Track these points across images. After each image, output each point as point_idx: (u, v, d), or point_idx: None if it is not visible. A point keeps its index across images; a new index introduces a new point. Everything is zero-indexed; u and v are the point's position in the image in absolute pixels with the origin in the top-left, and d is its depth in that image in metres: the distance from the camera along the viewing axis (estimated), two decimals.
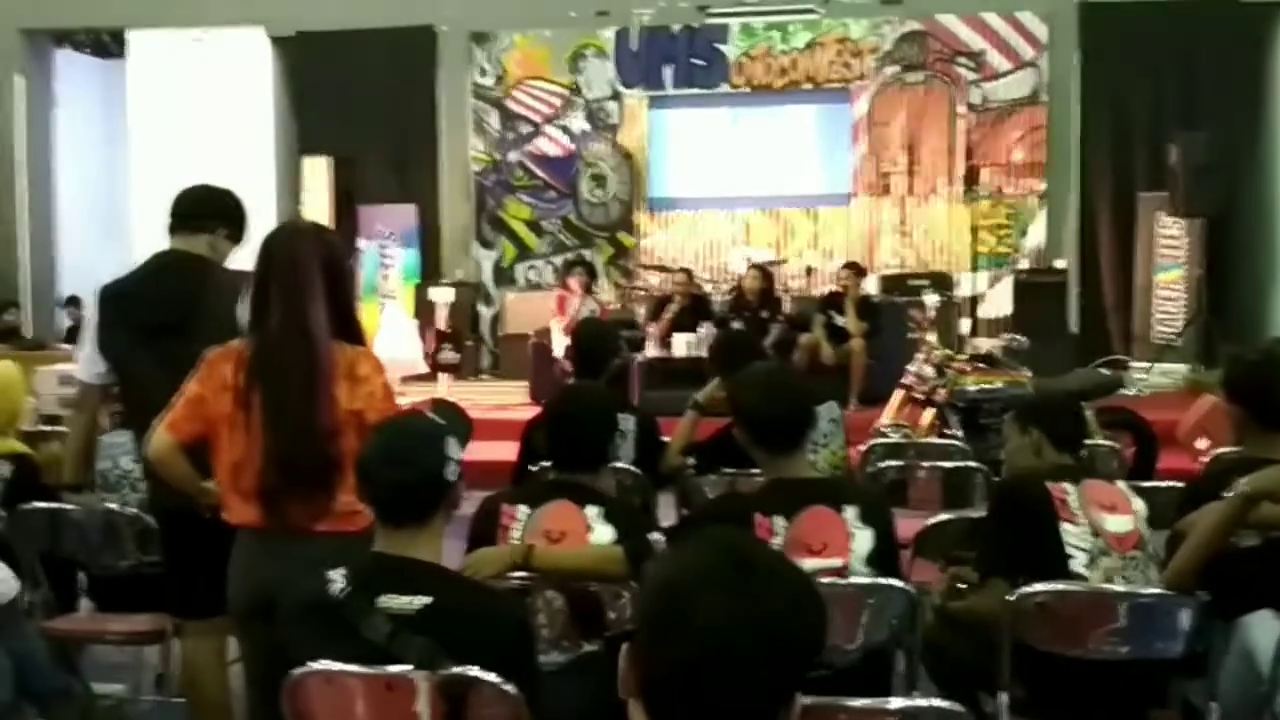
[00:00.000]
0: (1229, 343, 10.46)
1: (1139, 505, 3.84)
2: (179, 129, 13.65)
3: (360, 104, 13.94)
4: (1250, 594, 3.38)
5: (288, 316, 3.44)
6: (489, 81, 14.13)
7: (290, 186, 13.78)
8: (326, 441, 3.40)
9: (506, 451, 5.42)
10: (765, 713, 1.62)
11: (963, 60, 13.34)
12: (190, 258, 4.15)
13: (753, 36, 13.70)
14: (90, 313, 4.22)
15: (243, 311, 3.60)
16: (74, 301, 14.20)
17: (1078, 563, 3.66)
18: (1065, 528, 3.71)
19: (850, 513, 3.55)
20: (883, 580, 3.54)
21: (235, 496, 3.52)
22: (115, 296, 4.16)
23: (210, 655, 4.12)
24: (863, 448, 6.15)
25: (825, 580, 3.49)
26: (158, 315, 4.03)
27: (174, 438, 3.55)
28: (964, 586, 4.01)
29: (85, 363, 4.22)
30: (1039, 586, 3.51)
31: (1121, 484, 3.96)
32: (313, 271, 3.48)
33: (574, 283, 11.90)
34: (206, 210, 4.23)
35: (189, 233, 4.18)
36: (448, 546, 2.99)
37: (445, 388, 11.69)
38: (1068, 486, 3.79)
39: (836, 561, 3.52)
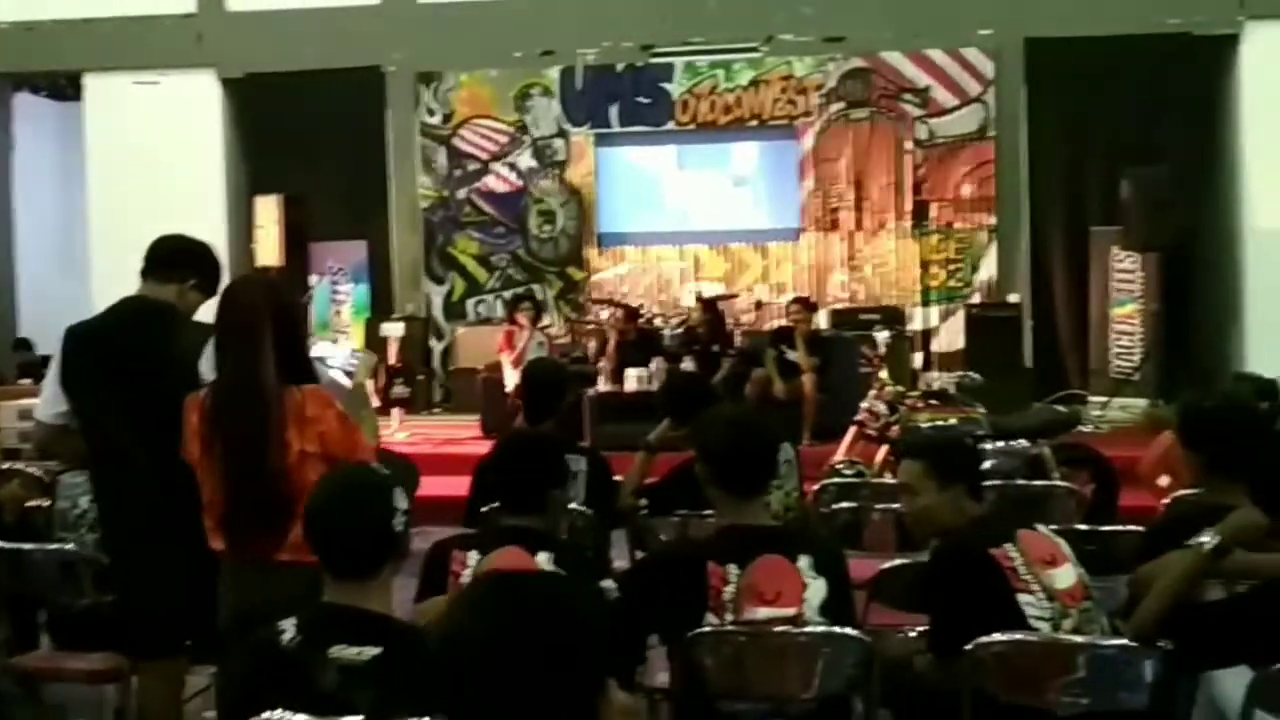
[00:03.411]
0: (1188, 377, 10.52)
1: (1067, 546, 3.68)
2: (135, 171, 13.63)
3: (310, 143, 13.89)
4: (1221, 650, 3.31)
5: (238, 368, 3.68)
6: (436, 121, 14.09)
7: (242, 225, 13.74)
8: (276, 484, 3.59)
9: (459, 487, 5.35)
10: (568, 700, 1.88)
11: (908, 96, 13.37)
12: (159, 306, 4.20)
13: (697, 75, 13.69)
14: (55, 352, 4.26)
15: (205, 364, 3.80)
16: (24, 344, 14.06)
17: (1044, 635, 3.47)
18: (1022, 599, 3.51)
19: (804, 562, 3.52)
20: (837, 629, 3.50)
21: (212, 529, 3.74)
22: (82, 338, 4.23)
23: (162, 695, 4.20)
24: (815, 487, 6.11)
25: (779, 629, 3.47)
26: (123, 361, 4.10)
27: None
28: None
29: (46, 402, 4.27)
30: (996, 637, 3.41)
31: (1042, 528, 3.78)
32: (262, 324, 3.68)
33: (521, 318, 11.89)
34: (180, 260, 4.29)
35: (159, 280, 4.23)
36: (399, 585, 3.03)
37: (397, 422, 11.67)
38: (1010, 549, 3.59)
39: (789, 611, 3.48)
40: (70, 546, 4.83)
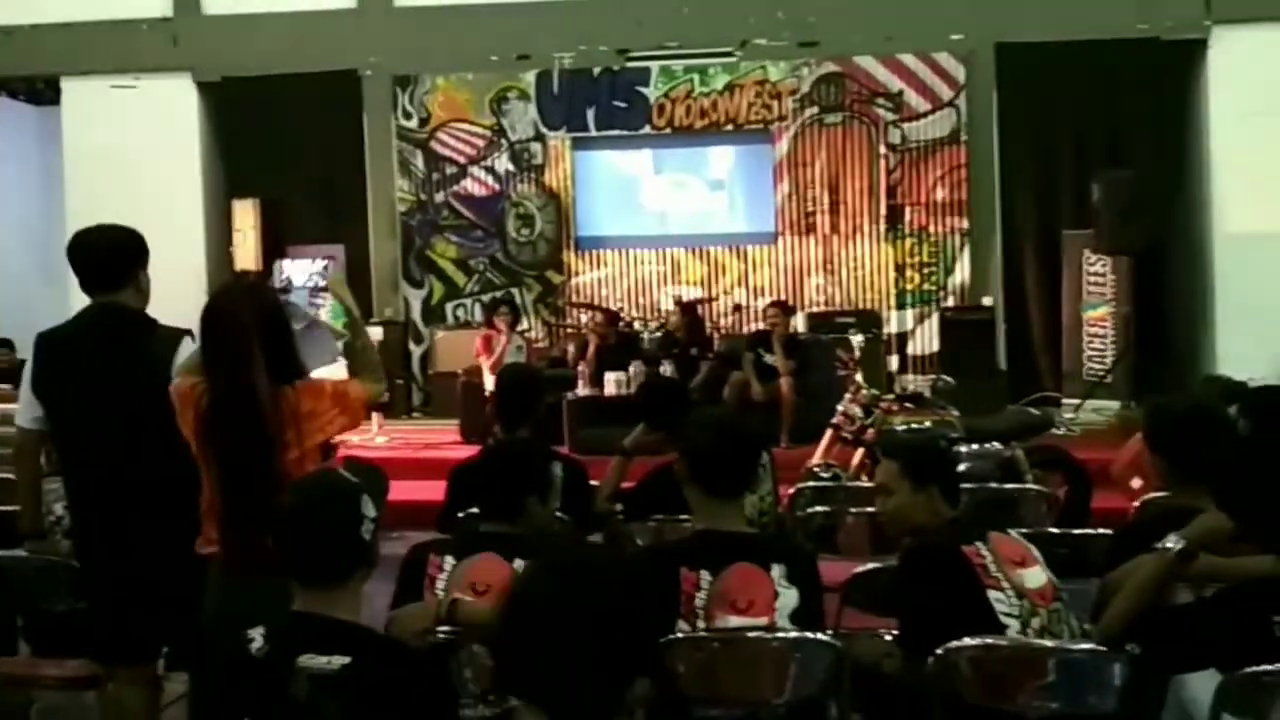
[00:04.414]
0: (1161, 379, 10.59)
1: (1038, 551, 3.74)
2: (113, 175, 13.59)
3: (287, 147, 13.90)
4: (1189, 653, 3.33)
5: (232, 382, 3.66)
6: (413, 124, 14.09)
7: (220, 229, 13.72)
8: (275, 493, 3.48)
9: (438, 492, 5.35)
10: (604, 688, 1.95)
11: (881, 101, 13.44)
12: (129, 314, 4.21)
13: (673, 79, 13.74)
14: (28, 357, 4.26)
15: (176, 370, 3.84)
16: (5, 344, 14.01)
17: (1013, 631, 3.53)
18: (993, 595, 3.56)
19: (778, 571, 3.54)
20: (809, 635, 3.52)
21: (209, 526, 3.76)
22: (54, 344, 4.24)
23: (138, 701, 4.19)
24: (792, 490, 6.15)
25: (752, 635, 3.50)
26: (96, 367, 4.10)
27: None
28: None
29: (23, 408, 4.27)
30: (967, 641, 3.45)
31: (1013, 532, 3.84)
32: (250, 332, 3.67)
33: (499, 322, 11.91)
34: (120, 266, 4.27)
35: (112, 292, 4.21)
36: (377, 589, 3.04)
37: (376, 426, 11.65)
38: (981, 548, 3.64)
39: (762, 620, 3.51)
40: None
